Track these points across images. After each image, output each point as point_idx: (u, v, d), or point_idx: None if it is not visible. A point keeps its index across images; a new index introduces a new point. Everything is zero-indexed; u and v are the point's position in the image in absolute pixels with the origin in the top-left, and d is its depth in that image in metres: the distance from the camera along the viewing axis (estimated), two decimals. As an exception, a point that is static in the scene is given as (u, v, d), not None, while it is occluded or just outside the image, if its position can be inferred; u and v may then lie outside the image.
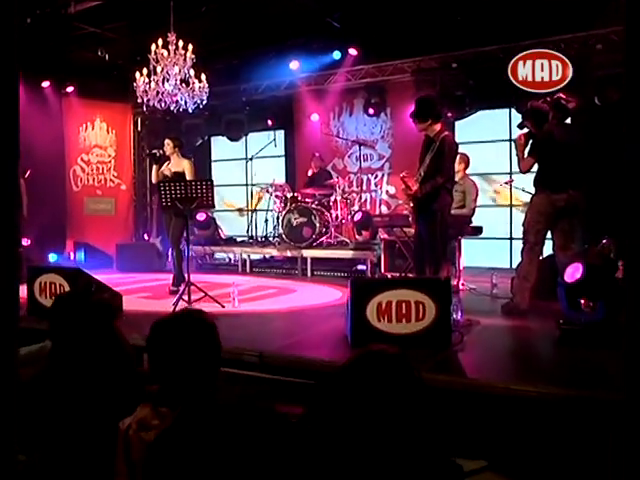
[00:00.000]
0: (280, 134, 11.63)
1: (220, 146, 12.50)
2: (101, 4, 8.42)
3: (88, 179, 11.55)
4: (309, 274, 8.40)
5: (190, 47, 7.07)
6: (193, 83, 7.12)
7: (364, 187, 10.72)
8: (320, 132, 10.28)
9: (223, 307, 5.64)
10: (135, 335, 3.29)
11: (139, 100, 7.20)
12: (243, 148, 11.80)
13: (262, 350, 3.89)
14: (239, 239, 10.38)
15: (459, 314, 4.39)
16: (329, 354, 3.87)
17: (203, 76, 7.28)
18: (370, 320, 3.91)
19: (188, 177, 6.48)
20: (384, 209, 10.53)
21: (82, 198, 11.42)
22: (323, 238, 8.70)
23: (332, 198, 9.04)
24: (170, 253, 6.77)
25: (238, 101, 11.14)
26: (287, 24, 9.55)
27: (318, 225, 8.55)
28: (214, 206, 5.70)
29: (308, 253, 8.42)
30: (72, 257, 10.57)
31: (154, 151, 6.64)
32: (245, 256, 8.95)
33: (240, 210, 11.60)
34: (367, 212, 8.71)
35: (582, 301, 4.09)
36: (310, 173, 9.97)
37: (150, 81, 7.02)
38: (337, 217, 8.92)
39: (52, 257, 10.12)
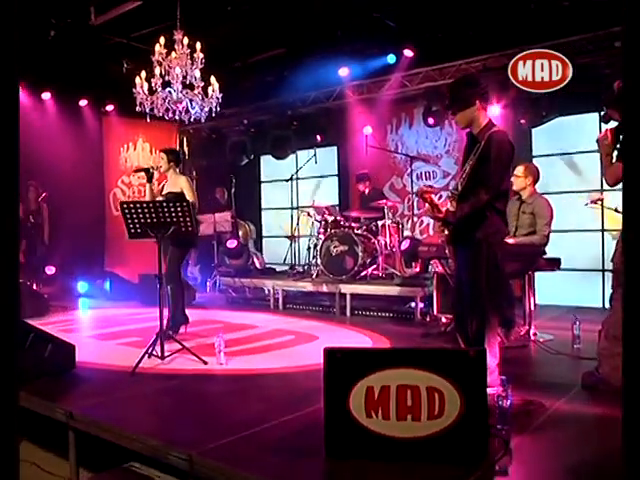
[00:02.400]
0: (332, 151, 10.40)
1: (269, 166, 11.45)
2: (131, 10, 7.63)
3: (129, 203, 10.73)
4: (348, 313, 7.03)
5: (198, 46, 5.99)
6: (198, 87, 6.01)
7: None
8: (374, 146, 8.92)
9: (205, 364, 4.41)
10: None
11: (137, 108, 6.18)
12: (293, 167, 10.66)
13: (193, 453, 2.60)
14: (280, 269, 9.18)
15: (508, 399, 2.91)
16: (286, 470, 2.51)
17: (213, 79, 6.17)
18: (355, 415, 2.53)
19: (188, 198, 5.34)
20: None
21: (122, 223, 10.60)
22: (368, 270, 7.33)
23: (380, 223, 7.66)
24: (169, 288, 5.62)
25: (284, 116, 10.04)
26: (334, 26, 8.38)
27: (361, 254, 7.19)
28: (195, 232, 4.51)
29: (347, 288, 7.06)
30: (107, 286, 9.75)
31: (147, 166, 5.57)
32: (278, 290, 7.70)
33: (279, 237, 10.36)
34: (415, 240, 7.25)
35: None
36: (363, 194, 8.65)
37: (153, 85, 5.97)
38: (386, 245, 7.52)
39: (82, 286, 9.33)
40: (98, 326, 6.65)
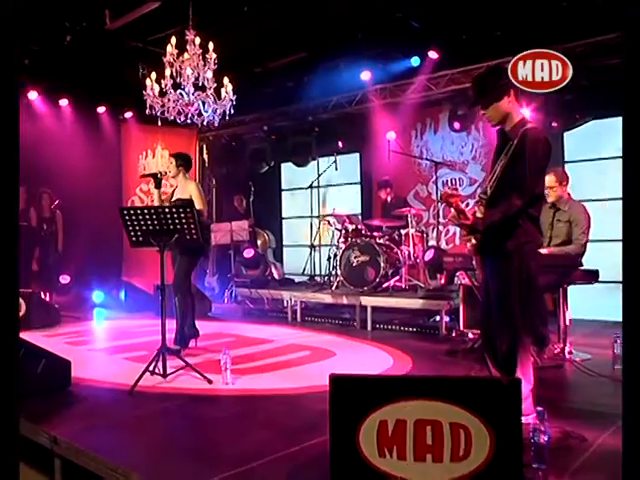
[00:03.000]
0: (354, 157, 10.06)
1: (289, 173, 11.16)
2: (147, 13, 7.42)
3: (148, 211, 10.51)
4: (369, 327, 6.65)
5: (211, 46, 5.71)
6: (210, 88, 5.72)
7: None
8: (397, 151, 8.54)
9: (210, 383, 4.08)
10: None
11: (147, 111, 5.91)
12: (314, 175, 10.33)
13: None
14: (299, 280, 8.84)
15: (545, 434, 2.51)
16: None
17: (226, 80, 5.87)
18: (366, 453, 2.17)
19: (197, 206, 5.06)
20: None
21: (140, 232, 10.39)
22: (390, 282, 6.94)
23: (403, 232, 7.28)
24: (176, 299, 5.33)
25: (305, 122, 9.74)
26: (355, 28, 8.06)
27: (383, 265, 6.81)
28: (200, 240, 4.20)
29: (368, 301, 6.68)
30: (122, 296, 9.50)
31: (155, 171, 5.28)
32: (296, 301, 7.36)
33: (299, 246, 10.00)
34: (440, 250, 6.85)
35: None
36: (385, 201, 8.30)
37: (164, 87, 5.70)
38: (410, 255, 7.13)
39: (97, 296, 9.12)
40: (107, 338, 6.39)
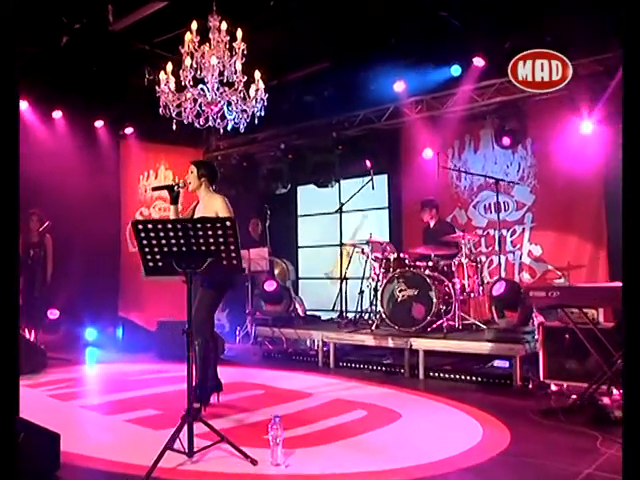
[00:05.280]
0: (382, 179, 9.02)
1: (306, 197, 10.11)
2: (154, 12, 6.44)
3: (148, 238, 9.38)
4: (421, 374, 5.51)
5: (239, 34, 4.68)
6: (240, 82, 4.67)
7: (497, 247, 7.79)
8: (437, 169, 7.53)
9: (255, 464, 2.94)
10: None
11: (161, 110, 4.84)
12: (334, 198, 9.29)
13: None
14: (325, 317, 7.72)
15: None
16: None
17: (257, 74, 4.84)
18: None
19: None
20: (526, 277, 7.51)
21: (139, 261, 9.23)
22: (442, 320, 5.84)
23: (455, 261, 6.21)
24: (196, 343, 4.19)
25: (328, 138, 8.71)
26: (387, 33, 7.10)
27: (436, 301, 5.72)
28: (241, 268, 3.10)
29: (420, 343, 5.56)
30: (118, 334, 8.31)
31: (172, 183, 4.21)
32: (328, 343, 6.23)
33: (325, 278, 8.81)
34: (513, 282, 5.76)
35: None
36: (428, 226, 7.22)
37: (182, 80, 4.65)
38: (463, 289, 6.05)
39: (90, 334, 7.94)
40: (104, 389, 5.19)
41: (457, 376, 5.43)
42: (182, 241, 2.95)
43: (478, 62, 7.11)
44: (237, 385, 5.00)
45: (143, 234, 2.97)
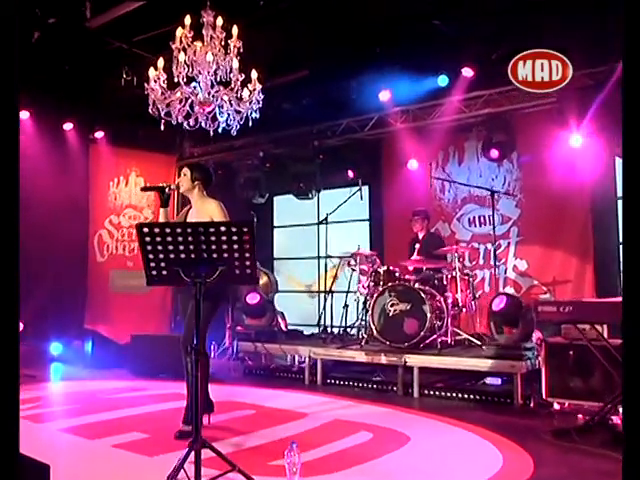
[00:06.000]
0: (364, 191, 8.81)
1: (285, 208, 9.83)
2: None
3: (117, 247, 9.00)
4: (416, 393, 5.28)
5: (235, 31, 4.40)
6: (237, 80, 4.39)
7: (481, 261, 7.67)
8: (429, 180, 7.37)
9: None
10: None
11: (150, 109, 4.50)
12: (314, 210, 9.05)
13: None
14: (307, 331, 7.43)
15: None
16: None
17: (254, 73, 4.57)
18: None
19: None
20: (510, 292, 7.38)
21: (108, 271, 8.84)
22: (436, 335, 5.63)
23: (447, 275, 6.02)
24: (188, 360, 3.85)
25: (308, 148, 8.47)
26: (374, 40, 6.92)
27: (430, 315, 5.51)
28: (255, 278, 2.80)
29: (415, 360, 5.33)
30: (87, 348, 7.83)
31: (164, 185, 3.91)
32: (315, 359, 5.94)
33: (310, 291, 8.49)
34: (514, 297, 5.59)
35: None
36: (416, 238, 6.99)
37: (176, 77, 4.33)
38: (455, 303, 5.86)
39: (55, 348, 7.47)
40: (79, 410, 4.75)
41: (452, 394, 5.22)
42: (191, 247, 2.64)
43: (467, 72, 6.99)
44: (225, 405, 4.66)
45: (148, 238, 2.64)
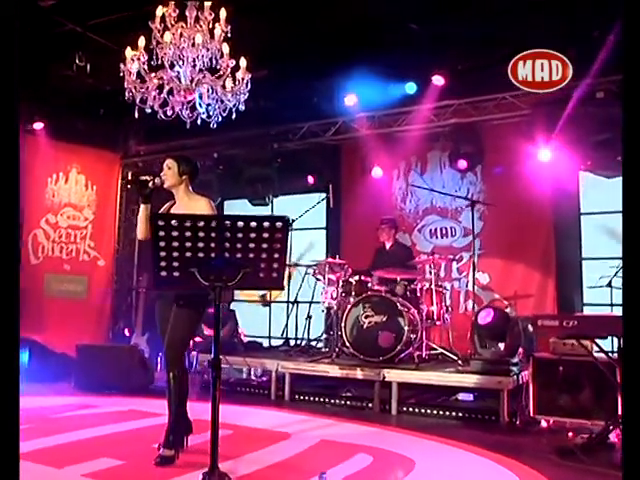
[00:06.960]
0: (320, 197, 8.53)
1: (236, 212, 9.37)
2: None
3: (54, 249, 8.31)
4: (394, 410, 5.01)
5: (223, 13, 4.02)
6: (227, 67, 4.00)
7: (442, 274, 7.52)
8: (389, 188, 7.18)
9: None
10: None
11: (127, 96, 4.03)
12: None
13: None
14: (265, 343, 7.04)
15: None
16: None
17: (243, 61, 4.19)
18: None
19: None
20: (470, 306, 7.30)
21: (42, 274, 8.12)
22: (410, 349, 5.41)
23: (420, 287, 5.82)
24: (171, 376, 3.43)
25: (266, 150, 8.09)
26: (342, 42, 6.69)
27: (406, 329, 5.28)
28: (281, 283, 2.45)
29: (394, 375, 5.06)
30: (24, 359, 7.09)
31: (144, 178, 3.50)
32: (281, 373, 5.57)
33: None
34: (502, 311, 5.44)
35: None
36: (383, 247, 6.73)
37: (160, 58, 3.90)
38: (431, 316, 5.67)
39: (-16, 360, 6.66)
40: (35, 431, 4.11)
41: (431, 410, 5.00)
42: (212, 245, 2.26)
43: (438, 80, 6.88)
44: (197, 424, 4.18)
45: (162, 233, 2.23)
